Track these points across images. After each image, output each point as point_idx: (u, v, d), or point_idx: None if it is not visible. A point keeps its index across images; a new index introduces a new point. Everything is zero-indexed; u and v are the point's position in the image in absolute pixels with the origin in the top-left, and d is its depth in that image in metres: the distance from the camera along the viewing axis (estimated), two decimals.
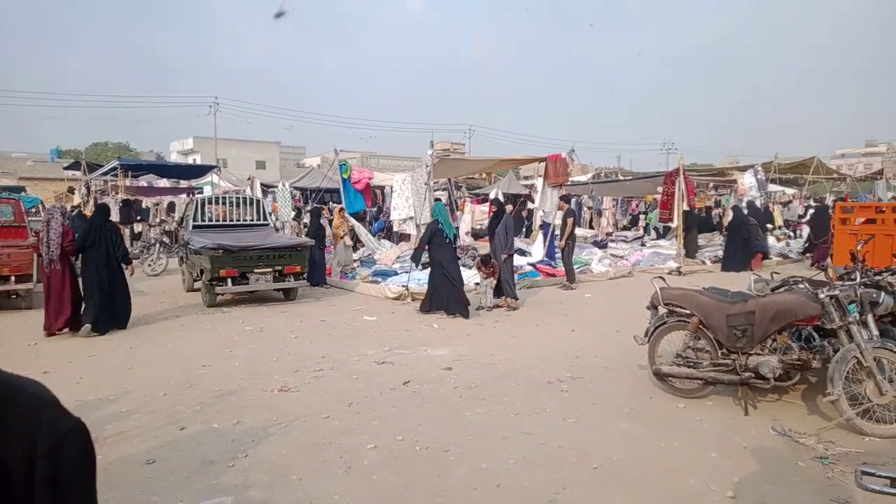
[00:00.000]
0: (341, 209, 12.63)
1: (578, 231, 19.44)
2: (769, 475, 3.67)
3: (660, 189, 15.43)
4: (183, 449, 4.18)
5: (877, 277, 4.96)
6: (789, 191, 27.03)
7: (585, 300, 10.18)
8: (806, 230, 18.66)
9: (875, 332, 4.43)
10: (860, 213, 8.93)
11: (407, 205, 10.80)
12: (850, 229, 8.27)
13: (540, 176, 14.22)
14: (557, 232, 12.24)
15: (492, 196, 22.62)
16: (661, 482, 3.63)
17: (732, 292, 5.57)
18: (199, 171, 20.27)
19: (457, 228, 18.20)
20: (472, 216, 27.96)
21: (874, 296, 4.61)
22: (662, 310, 5.25)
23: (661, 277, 5.41)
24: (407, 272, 10.60)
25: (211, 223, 11.12)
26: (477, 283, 10.55)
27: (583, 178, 23.21)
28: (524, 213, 21.71)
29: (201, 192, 21.21)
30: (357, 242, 13.58)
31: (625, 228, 23.46)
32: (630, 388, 5.42)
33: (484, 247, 17.24)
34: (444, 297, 8.70)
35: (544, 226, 13.50)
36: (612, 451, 4.06)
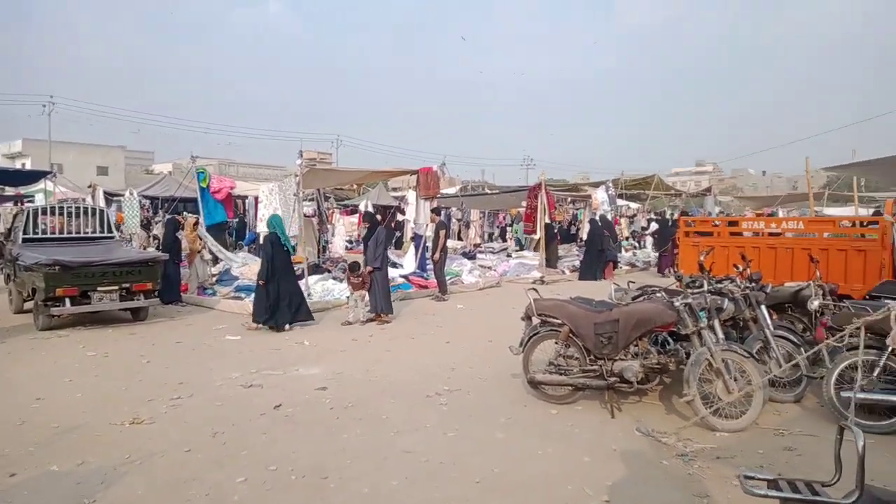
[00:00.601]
0: (196, 222, 11.75)
1: (448, 243, 19.86)
2: (638, 476, 3.88)
3: (524, 203, 16.14)
4: (15, 499, 3.56)
5: (719, 285, 5.50)
6: (634, 205, 29.59)
7: (458, 311, 10.32)
8: (650, 241, 20.54)
9: (721, 335, 4.88)
10: (699, 226, 9.97)
11: None
12: (692, 241, 9.19)
13: (411, 188, 14.27)
14: (429, 244, 12.34)
15: (362, 208, 22.45)
16: (541, 490, 3.69)
17: (597, 301, 5.89)
18: (29, 176, 17.89)
19: (326, 242, 17.86)
20: (343, 228, 27.54)
21: (719, 302, 5.09)
22: (536, 320, 5.41)
23: (534, 289, 5.57)
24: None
25: (45, 236, 9.84)
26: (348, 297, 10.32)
27: (451, 191, 23.73)
28: (393, 225, 21.73)
29: (32, 201, 18.80)
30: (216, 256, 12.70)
31: (491, 238, 24.29)
32: (506, 398, 5.51)
33: (356, 258, 17.01)
34: (279, 307, 8.48)
35: (416, 238, 13.54)
36: (493, 462, 4.07)
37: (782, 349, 5.27)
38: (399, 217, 23.16)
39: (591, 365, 5.10)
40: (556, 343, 5.27)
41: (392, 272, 12.71)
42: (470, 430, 4.70)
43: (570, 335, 5.12)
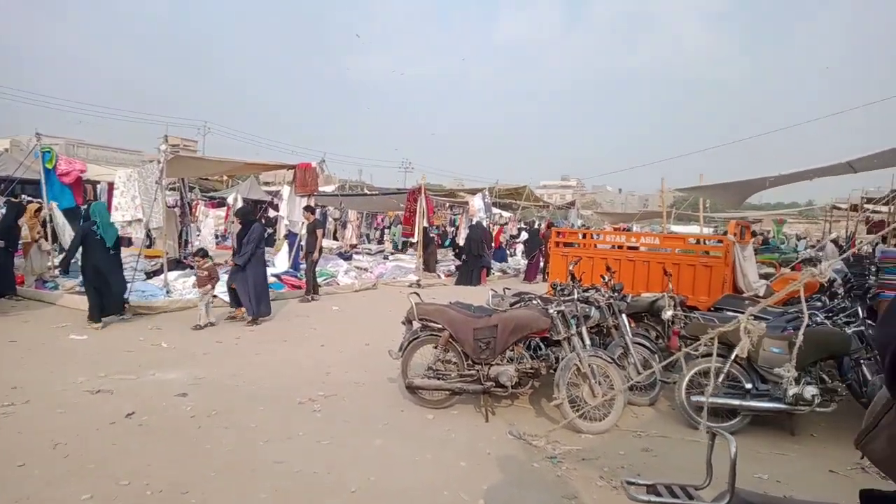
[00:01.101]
0: (39, 208, 10.42)
1: (324, 243, 19.36)
2: (512, 479, 3.97)
3: (402, 206, 16.16)
4: None
5: (586, 294, 5.82)
6: (506, 214, 30.80)
7: (333, 313, 10.06)
8: (520, 249, 21.46)
9: (588, 341, 5.17)
10: (568, 238, 10.55)
11: (133, 205, 9.35)
12: (561, 252, 9.70)
13: (286, 183, 13.71)
14: (304, 243, 11.94)
15: (230, 201, 21.20)
16: (418, 498, 3.65)
17: (475, 307, 6.00)
18: None
19: (188, 235, 16.64)
20: (206, 220, 25.83)
21: (587, 310, 5.39)
22: (416, 324, 5.39)
23: (415, 293, 5.55)
24: (128, 282, 9.19)
25: None
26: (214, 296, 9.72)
27: (328, 189, 23.16)
28: (264, 221, 20.78)
29: None
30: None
31: (369, 240, 24.03)
32: (382, 403, 5.42)
33: (226, 254, 16.01)
34: (107, 300, 8.03)
35: (290, 236, 13.04)
36: (369, 470, 3.97)
37: (639, 355, 5.69)
38: (271, 213, 22.28)
39: (469, 370, 5.17)
40: (436, 348, 5.28)
41: None
42: (345, 437, 4.56)
43: (450, 340, 5.16)
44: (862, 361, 4.94)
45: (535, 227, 24.96)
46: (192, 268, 12.13)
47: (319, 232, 10.90)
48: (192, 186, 23.60)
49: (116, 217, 9.39)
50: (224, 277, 9.29)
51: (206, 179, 27.74)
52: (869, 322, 5.40)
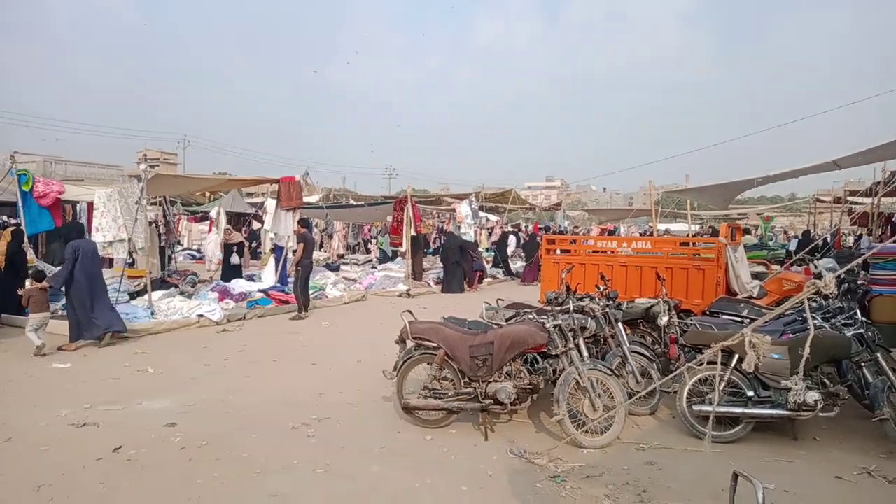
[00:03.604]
0: (14, 230, 10.14)
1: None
2: (514, 502, 3.86)
3: (389, 218, 16.04)
4: None
5: (581, 303, 5.73)
6: (493, 217, 30.77)
7: (323, 329, 9.89)
8: (510, 251, 21.37)
9: (586, 354, 5.07)
10: (560, 244, 10.48)
11: (116, 225, 9.13)
12: (553, 259, 9.62)
13: (271, 196, 13.54)
14: (291, 255, 11.78)
15: (213, 214, 20.93)
16: None
17: (470, 322, 5.90)
18: None
19: (180, 244, 16.37)
20: (189, 234, 25.49)
21: (583, 322, 5.30)
22: (410, 343, 5.27)
23: (408, 311, 5.42)
24: (113, 305, 8.97)
25: None
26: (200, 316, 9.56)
27: (313, 199, 22.91)
28: (247, 234, 20.54)
29: None
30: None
31: (356, 250, 23.83)
32: (378, 425, 5.29)
33: (199, 268, 15.77)
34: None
35: (277, 250, 12.86)
36: (368, 500, 3.84)
37: (638, 364, 5.61)
38: (256, 225, 22.03)
39: (466, 387, 5.06)
40: (431, 366, 5.16)
41: (251, 286, 11.97)
42: (342, 464, 4.41)
43: (446, 358, 5.04)
44: (862, 364, 4.89)
45: (523, 230, 24.93)
46: (176, 286, 11.94)
47: (300, 246, 10.69)
48: (174, 201, 23.31)
49: (97, 238, 9.16)
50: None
51: (189, 193, 27.39)
52: (866, 321, 5.37)
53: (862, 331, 5.05)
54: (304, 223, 11.25)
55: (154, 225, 14.68)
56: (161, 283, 11.69)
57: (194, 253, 23.15)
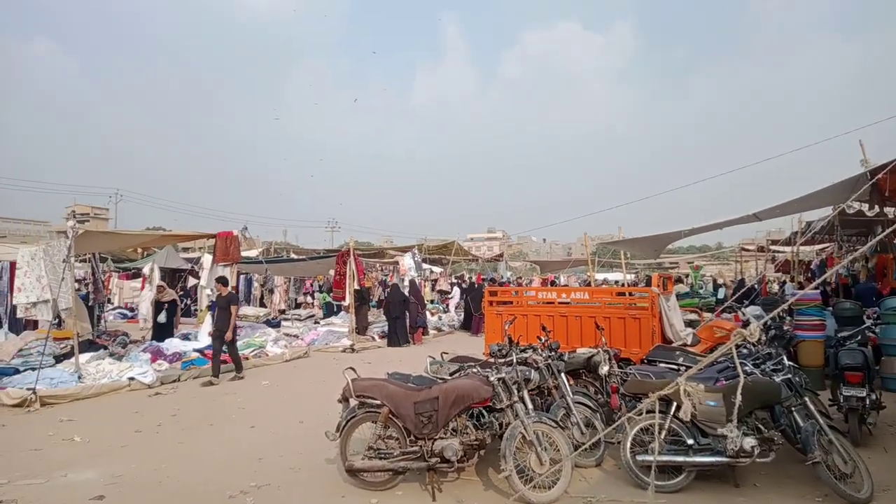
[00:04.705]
0: None
1: (249, 310, 18.60)
2: None
3: (331, 272, 15.88)
4: None
5: (524, 355, 5.78)
6: (437, 269, 30.93)
7: (263, 389, 9.53)
8: (453, 304, 21.45)
9: (530, 406, 5.08)
10: (502, 296, 10.62)
11: (40, 285, 8.66)
12: (496, 311, 9.72)
13: (208, 251, 13.19)
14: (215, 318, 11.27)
15: (146, 271, 20.15)
16: None
17: (414, 376, 5.84)
18: None
19: (110, 302, 15.58)
20: (121, 293, 24.36)
21: (527, 374, 5.34)
22: (354, 402, 5.15)
23: (351, 368, 5.32)
24: (34, 369, 8.42)
25: None
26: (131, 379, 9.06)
27: (252, 253, 22.44)
28: (182, 291, 19.82)
29: None
30: None
31: (298, 306, 23.31)
32: (321, 490, 5.08)
33: (131, 328, 15.05)
34: None
35: (213, 306, 12.42)
36: None
37: (581, 414, 5.66)
38: (192, 281, 21.30)
39: (412, 446, 4.95)
40: (375, 425, 5.05)
41: (185, 346, 11.48)
42: None
43: (390, 416, 4.95)
44: (793, 408, 5.10)
45: (468, 281, 25.14)
46: (105, 348, 11.30)
47: (234, 308, 10.25)
48: (105, 257, 22.34)
49: (20, 299, 8.67)
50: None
51: (120, 250, 26.33)
52: (794, 366, 5.63)
53: (790, 375, 5.28)
54: (224, 282, 10.65)
55: (84, 282, 13.99)
56: (89, 345, 11.03)
57: (126, 312, 22.15)
